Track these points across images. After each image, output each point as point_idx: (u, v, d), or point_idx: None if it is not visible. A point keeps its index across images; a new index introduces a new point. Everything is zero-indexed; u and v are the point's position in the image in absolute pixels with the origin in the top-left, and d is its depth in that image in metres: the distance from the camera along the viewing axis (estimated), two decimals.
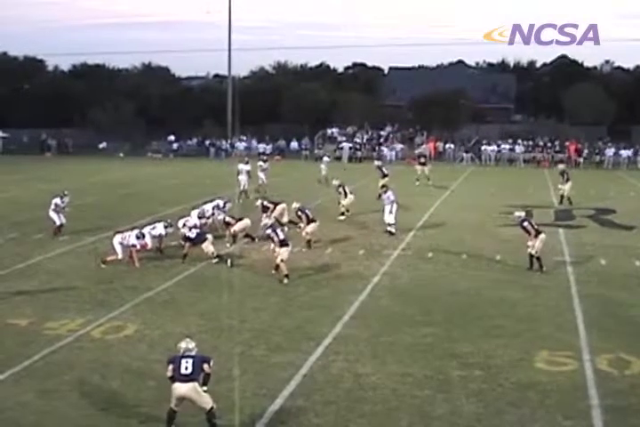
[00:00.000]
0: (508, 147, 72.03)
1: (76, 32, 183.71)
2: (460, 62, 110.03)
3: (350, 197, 34.63)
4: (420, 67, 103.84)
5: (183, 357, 12.67)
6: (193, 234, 25.56)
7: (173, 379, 12.58)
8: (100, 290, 21.97)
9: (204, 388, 12.63)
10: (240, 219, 28.59)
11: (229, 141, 78.81)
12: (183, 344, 12.93)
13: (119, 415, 13.46)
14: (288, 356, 16.27)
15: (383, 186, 32.36)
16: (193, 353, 12.77)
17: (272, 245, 24.02)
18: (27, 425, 13.18)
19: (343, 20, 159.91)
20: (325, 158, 46.88)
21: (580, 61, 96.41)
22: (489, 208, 38.04)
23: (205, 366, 12.66)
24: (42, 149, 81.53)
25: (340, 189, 34.89)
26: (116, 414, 13.52)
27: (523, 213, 25.71)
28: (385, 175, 42.28)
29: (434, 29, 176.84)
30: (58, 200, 30.53)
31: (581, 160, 67.68)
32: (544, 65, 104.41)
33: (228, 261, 25.01)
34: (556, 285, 22.79)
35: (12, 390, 14.60)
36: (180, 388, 12.46)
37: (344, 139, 76.03)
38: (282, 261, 23.04)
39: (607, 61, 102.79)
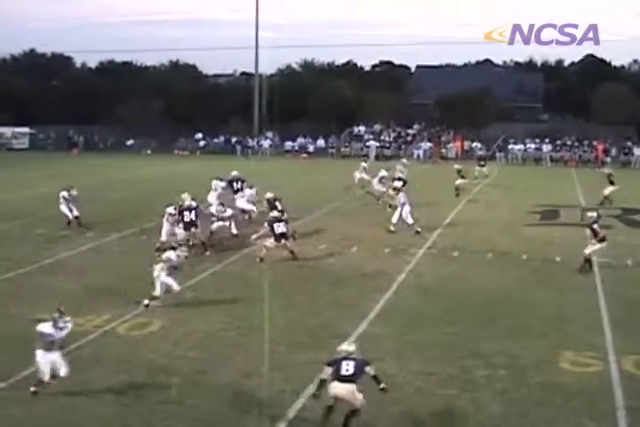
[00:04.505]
0: (534, 146, 71.80)
1: (104, 29, 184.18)
2: (488, 61, 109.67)
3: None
4: (447, 65, 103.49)
5: (345, 359, 12.60)
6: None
7: (326, 381, 12.54)
8: (126, 286, 22.02)
9: (383, 385, 12.70)
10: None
11: (256, 139, 78.92)
12: (344, 347, 12.89)
13: (144, 411, 13.50)
14: (313, 354, 16.25)
15: (395, 188, 32.25)
16: (354, 356, 12.70)
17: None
18: (53, 420, 13.27)
19: (370, 18, 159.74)
20: (363, 164, 45.97)
21: (607, 60, 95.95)
22: (515, 207, 37.91)
23: (367, 368, 12.59)
24: (69, 145, 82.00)
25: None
26: (140, 409, 13.56)
27: (595, 214, 25.29)
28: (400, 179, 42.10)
29: (461, 28, 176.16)
30: (65, 193, 31.21)
31: (608, 160, 67.28)
32: (572, 64, 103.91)
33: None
34: (583, 285, 22.67)
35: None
36: (337, 388, 12.41)
37: (370, 137, 76.02)
38: (265, 246, 24.92)
39: (635, 60, 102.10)
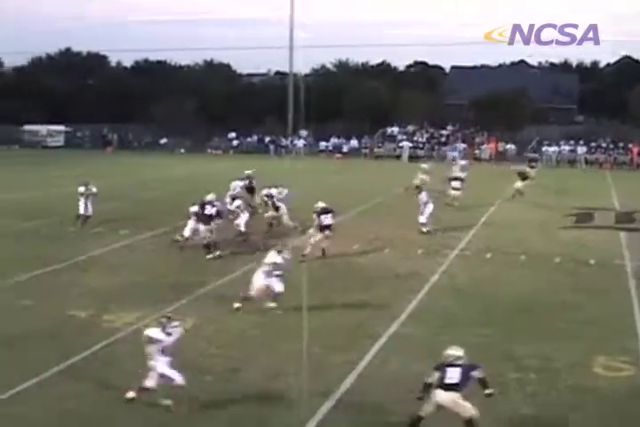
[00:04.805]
0: (568, 148, 71.34)
1: (139, 28, 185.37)
2: (522, 62, 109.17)
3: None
4: (481, 66, 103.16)
5: (450, 365, 12.32)
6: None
7: (431, 386, 12.25)
8: (158, 284, 22.12)
9: (490, 391, 12.41)
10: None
11: (289, 139, 78.97)
12: (451, 351, 12.60)
13: (175, 408, 13.52)
14: (344, 354, 16.23)
15: (417, 187, 32.10)
16: (461, 362, 12.41)
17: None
18: (83, 415, 13.32)
19: (405, 18, 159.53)
20: (424, 165, 45.48)
21: None
22: (549, 209, 37.67)
23: (475, 372, 12.29)
24: (103, 144, 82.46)
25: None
26: (169, 408, 13.58)
27: None
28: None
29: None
30: (82, 188, 31.53)
31: None
32: (607, 65, 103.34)
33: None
34: (616, 288, 22.48)
35: (70, 380, 14.76)
36: (440, 395, 12.12)
37: (404, 137, 75.86)
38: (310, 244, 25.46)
39: None
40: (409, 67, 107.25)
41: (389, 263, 25.28)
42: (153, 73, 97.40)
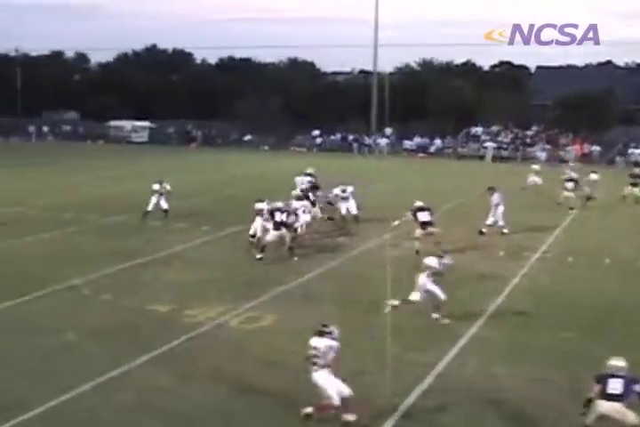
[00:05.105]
0: None
1: (224, 26, 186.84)
2: (609, 62, 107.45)
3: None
4: (567, 66, 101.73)
5: (613, 376, 12.14)
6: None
7: (592, 399, 12.14)
8: (239, 281, 22.28)
9: None
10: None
11: (373, 137, 78.88)
12: (614, 362, 12.42)
13: (252, 404, 13.63)
14: (423, 355, 16.17)
15: (490, 188, 31.84)
16: (623, 373, 12.21)
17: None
18: (160, 408, 13.50)
19: (489, 17, 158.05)
20: (534, 166, 44.97)
21: None
22: (634, 213, 37.06)
23: (637, 387, 12.04)
24: (188, 140, 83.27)
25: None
26: (249, 402, 13.69)
27: None
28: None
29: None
30: (157, 186, 32.17)
31: None
32: None
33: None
34: None
35: (148, 373, 14.97)
36: (603, 406, 12.01)
37: (488, 138, 75.24)
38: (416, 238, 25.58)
39: None
40: (494, 66, 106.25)
41: (471, 264, 25.04)
42: (238, 70, 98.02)
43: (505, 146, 74.08)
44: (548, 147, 72.79)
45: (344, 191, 31.51)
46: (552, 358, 16.26)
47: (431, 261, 18.89)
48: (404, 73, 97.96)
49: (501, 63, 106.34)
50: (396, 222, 27.04)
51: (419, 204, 26.83)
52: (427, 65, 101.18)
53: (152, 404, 13.58)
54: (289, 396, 13.80)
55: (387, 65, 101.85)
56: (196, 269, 23.53)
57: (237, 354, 16.10)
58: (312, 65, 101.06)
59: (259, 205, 26.72)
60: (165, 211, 31.98)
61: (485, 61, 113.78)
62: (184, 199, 33.95)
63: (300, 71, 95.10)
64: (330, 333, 12.96)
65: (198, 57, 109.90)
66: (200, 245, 27.31)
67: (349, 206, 31.33)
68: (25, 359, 15.69)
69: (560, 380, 15.00)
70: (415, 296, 18.71)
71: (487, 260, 25.87)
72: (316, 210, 30.41)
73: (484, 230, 30.07)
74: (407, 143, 77.37)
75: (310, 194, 30.90)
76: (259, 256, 24.78)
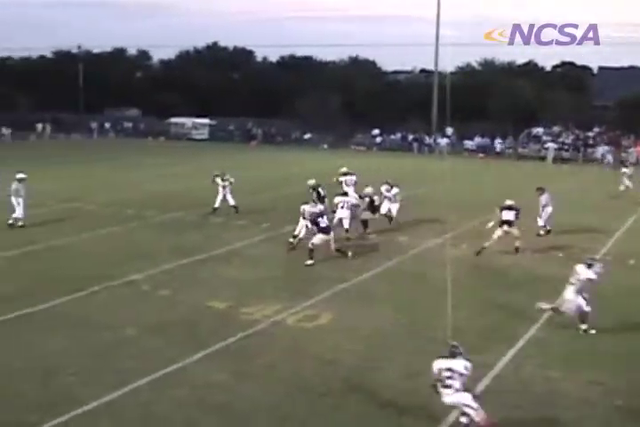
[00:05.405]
0: None
1: (283, 24, 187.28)
2: None
3: None
4: (630, 67, 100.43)
5: None
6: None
7: None
8: (297, 278, 22.27)
9: None
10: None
11: (433, 137, 78.51)
12: None
13: (308, 402, 13.60)
14: (480, 356, 15.95)
15: (539, 188, 31.37)
16: None
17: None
18: (214, 405, 13.49)
19: (553, 17, 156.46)
20: (625, 170, 44.24)
21: None
22: None
23: None
24: (248, 137, 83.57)
25: None
26: (305, 401, 13.66)
27: None
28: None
29: None
30: (218, 180, 32.91)
31: None
32: None
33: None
34: None
35: (204, 369, 14.99)
36: None
37: (549, 138, 74.47)
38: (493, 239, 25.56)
39: None
40: (555, 67, 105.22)
41: (530, 265, 24.81)
42: (298, 69, 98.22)
43: (566, 147, 73.23)
44: (608, 148, 71.64)
45: (389, 191, 31.26)
46: (609, 362, 16.00)
47: (583, 272, 18.14)
48: (466, 72, 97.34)
49: (563, 63, 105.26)
50: (491, 224, 26.74)
51: (508, 202, 26.72)
52: (488, 65, 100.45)
53: (207, 400, 13.58)
54: (345, 395, 13.74)
55: (448, 64, 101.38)
56: (255, 267, 23.55)
57: (294, 352, 16.07)
58: (373, 64, 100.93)
59: (306, 208, 26.62)
60: (235, 207, 32.31)
61: (547, 62, 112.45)
62: (246, 196, 34.03)
63: (360, 70, 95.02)
64: (461, 353, 12.43)
65: (259, 55, 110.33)
66: (259, 243, 27.34)
67: (391, 207, 31.00)
68: (80, 355, 15.78)
69: (616, 384, 14.76)
70: (565, 309, 18.14)
71: (546, 261, 25.52)
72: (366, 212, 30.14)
73: (541, 233, 29.78)
74: (468, 143, 76.90)
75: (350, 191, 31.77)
76: (309, 262, 24.22)
